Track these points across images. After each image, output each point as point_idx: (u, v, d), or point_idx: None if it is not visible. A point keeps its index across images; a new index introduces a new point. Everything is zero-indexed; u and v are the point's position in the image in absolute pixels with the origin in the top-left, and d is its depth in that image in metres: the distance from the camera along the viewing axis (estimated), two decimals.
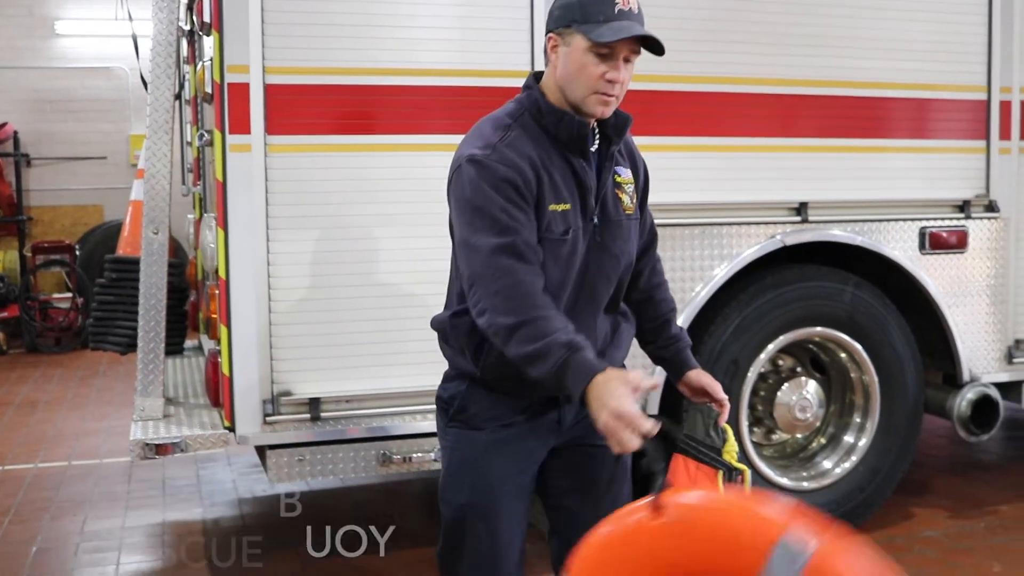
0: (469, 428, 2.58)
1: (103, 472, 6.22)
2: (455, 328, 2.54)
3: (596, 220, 2.49)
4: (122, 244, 5.95)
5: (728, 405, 2.67)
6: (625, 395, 2.17)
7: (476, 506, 2.53)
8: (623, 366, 2.68)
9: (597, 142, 2.51)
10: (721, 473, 2.60)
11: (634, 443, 2.14)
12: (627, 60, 2.41)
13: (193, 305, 6.03)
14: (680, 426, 4.40)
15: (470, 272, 2.39)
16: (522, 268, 2.33)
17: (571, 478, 2.68)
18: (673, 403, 4.39)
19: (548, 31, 2.47)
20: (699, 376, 2.70)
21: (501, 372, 2.47)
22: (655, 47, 2.42)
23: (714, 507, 2.13)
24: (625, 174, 2.59)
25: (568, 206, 2.44)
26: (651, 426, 2.15)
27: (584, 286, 2.52)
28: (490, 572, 2.61)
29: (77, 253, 11.47)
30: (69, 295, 11.27)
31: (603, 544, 2.14)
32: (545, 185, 2.41)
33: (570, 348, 2.25)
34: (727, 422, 2.66)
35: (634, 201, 2.59)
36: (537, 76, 2.54)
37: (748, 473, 2.63)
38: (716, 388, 2.67)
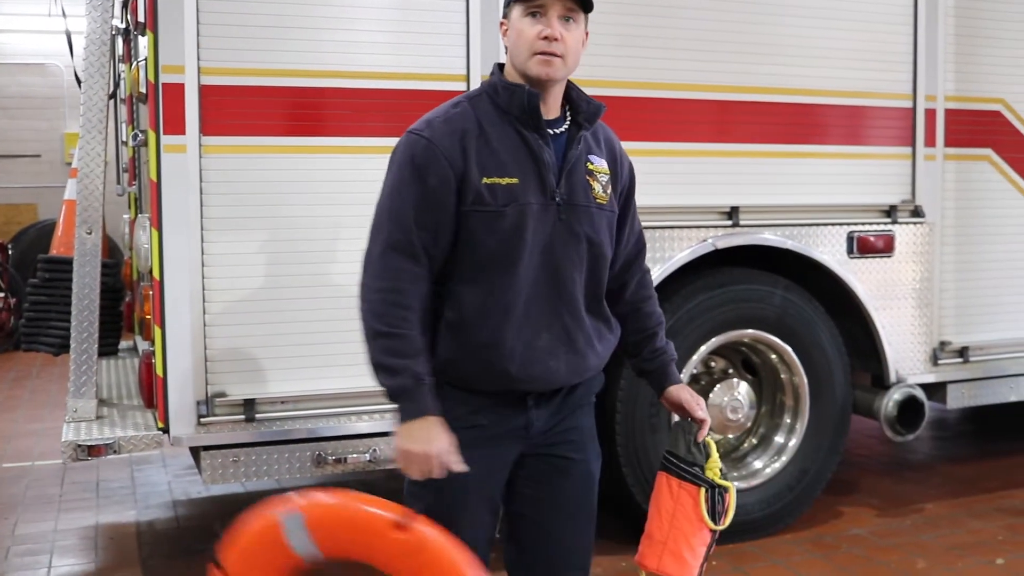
0: None
1: (36, 475, 6.15)
2: None
3: (559, 200, 2.47)
4: (56, 244, 5.89)
5: (708, 420, 2.70)
6: (438, 440, 2.34)
7: (437, 511, 2.42)
8: (603, 373, 2.67)
9: (567, 124, 2.52)
10: (703, 491, 2.65)
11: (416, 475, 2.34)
12: (566, 19, 2.43)
13: (128, 306, 5.97)
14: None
15: (367, 249, 2.46)
16: (409, 273, 2.40)
17: (536, 488, 2.63)
18: None
19: (501, 21, 2.53)
20: (678, 391, 2.71)
21: (457, 363, 2.48)
22: (584, 2, 2.44)
23: (439, 551, 2.31)
24: (599, 163, 2.56)
25: (515, 180, 2.43)
26: (454, 466, 2.32)
27: (547, 267, 2.48)
28: None
29: (10, 252, 11.28)
30: (1, 295, 11.08)
31: (346, 511, 2.41)
32: (476, 159, 2.42)
33: (417, 380, 2.36)
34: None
35: (607, 192, 2.56)
36: (502, 67, 2.57)
37: (733, 490, 2.70)
38: (692, 404, 2.70)
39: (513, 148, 2.45)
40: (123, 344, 5.99)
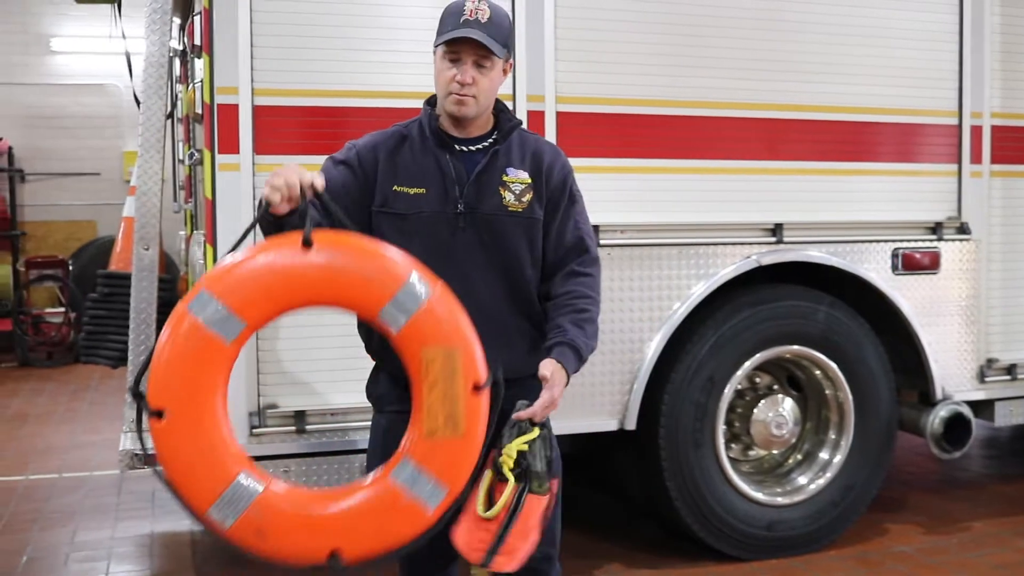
0: (376, 412, 2.98)
1: (93, 484, 6.30)
2: None
3: (461, 208, 2.80)
4: (114, 259, 6.04)
5: (534, 408, 2.69)
6: (292, 170, 2.55)
7: None
8: (533, 376, 2.76)
9: (490, 141, 2.87)
10: (489, 473, 2.63)
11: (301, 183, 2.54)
12: (479, 65, 2.77)
13: None
14: None
15: None
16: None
17: None
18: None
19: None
20: (544, 364, 2.75)
21: (382, 354, 2.81)
22: (487, 47, 2.74)
23: (353, 250, 2.51)
24: (515, 174, 2.85)
25: (423, 190, 2.81)
26: (309, 182, 2.54)
27: (452, 270, 2.72)
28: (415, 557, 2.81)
29: (70, 268, 11.57)
30: (62, 310, 11.36)
31: (248, 263, 2.47)
32: (387, 167, 2.82)
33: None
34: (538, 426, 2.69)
35: (523, 200, 2.84)
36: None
37: (511, 485, 2.61)
38: (545, 377, 2.72)
39: (426, 163, 2.83)
40: None
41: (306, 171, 2.58)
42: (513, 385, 2.76)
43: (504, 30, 2.84)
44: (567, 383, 2.78)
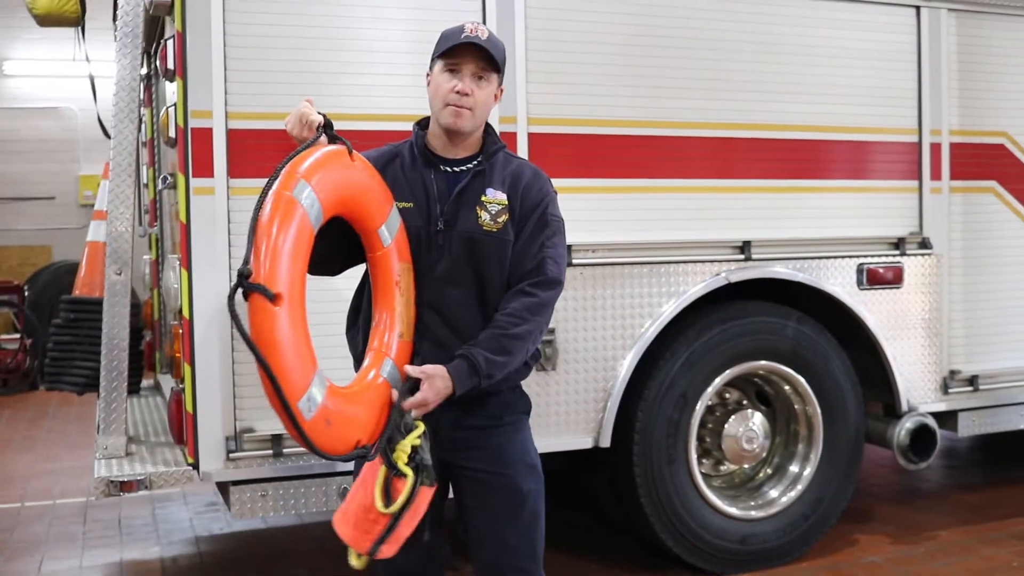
0: None
1: (58, 513, 6.22)
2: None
3: (440, 226, 2.91)
4: (79, 284, 6.00)
5: (417, 400, 2.76)
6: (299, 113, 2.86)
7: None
8: (526, 396, 3.07)
9: (474, 163, 2.96)
10: (382, 469, 2.72)
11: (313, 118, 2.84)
12: (478, 78, 2.89)
13: (149, 345, 6.08)
14: None
15: None
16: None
17: (467, 500, 3.00)
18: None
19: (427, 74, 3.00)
20: (433, 367, 2.81)
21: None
22: (493, 60, 2.90)
23: (370, 170, 2.91)
24: (493, 195, 2.94)
25: (410, 204, 2.93)
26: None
27: (430, 284, 2.91)
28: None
29: (26, 293, 11.41)
30: (17, 336, 11.19)
31: (337, 171, 2.78)
32: (390, 181, 2.94)
33: None
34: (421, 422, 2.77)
35: (498, 221, 2.91)
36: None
37: (410, 479, 2.69)
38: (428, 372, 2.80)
39: (415, 180, 2.96)
40: (144, 383, 6.07)
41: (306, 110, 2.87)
42: (489, 400, 2.93)
43: (501, 51, 2.96)
44: (452, 393, 2.81)
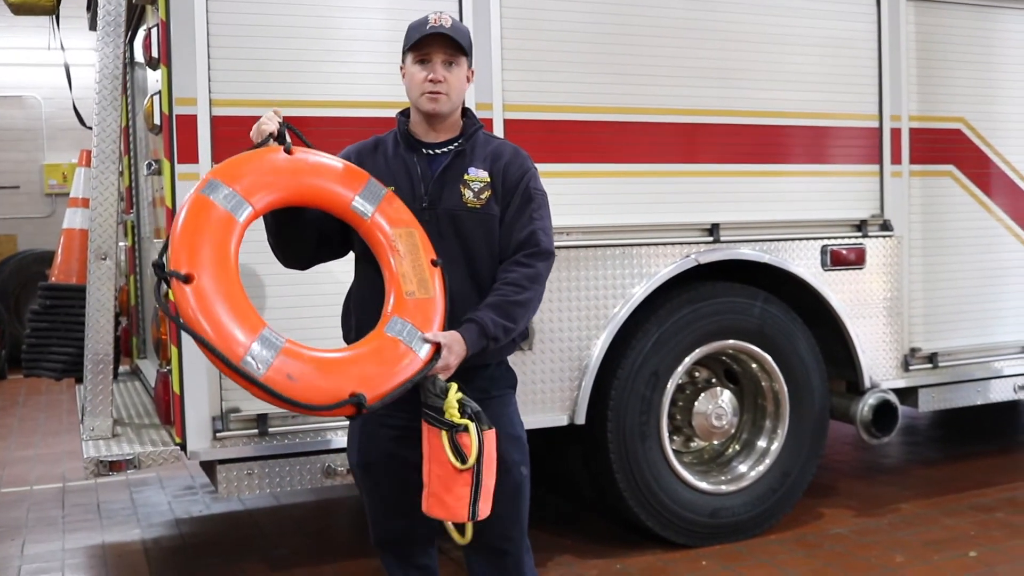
0: None
1: (35, 498, 6.27)
2: None
3: (425, 204, 3.07)
4: (55, 271, 6.03)
5: (441, 366, 2.88)
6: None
7: (359, 466, 3.22)
8: (512, 370, 3.23)
9: (454, 146, 3.12)
10: (443, 433, 2.81)
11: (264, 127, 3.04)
12: (448, 63, 3.06)
13: (125, 331, 6.13)
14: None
15: None
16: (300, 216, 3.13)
17: None
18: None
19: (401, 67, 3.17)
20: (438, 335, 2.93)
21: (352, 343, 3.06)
22: (459, 45, 3.07)
23: (325, 157, 3.09)
24: (475, 173, 3.10)
25: (393, 188, 3.07)
26: (272, 115, 3.07)
27: None
28: (379, 520, 3.25)
29: None
30: None
31: (255, 164, 2.97)
32: (372, 169, 3.10)
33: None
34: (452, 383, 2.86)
35: (482, 198, 3.07)
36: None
37: (473, 428, 2.79)
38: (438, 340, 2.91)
39: (397, 165, 3.13)
40: (121, 368, 6.12)
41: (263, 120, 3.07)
42: (479, 372, 3.06)
43: (466, 36, 3.13)
44: (466, 355, 2.93)
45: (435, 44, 3.06)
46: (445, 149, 3.14)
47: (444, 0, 4.34)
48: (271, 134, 3.03)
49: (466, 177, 3.10)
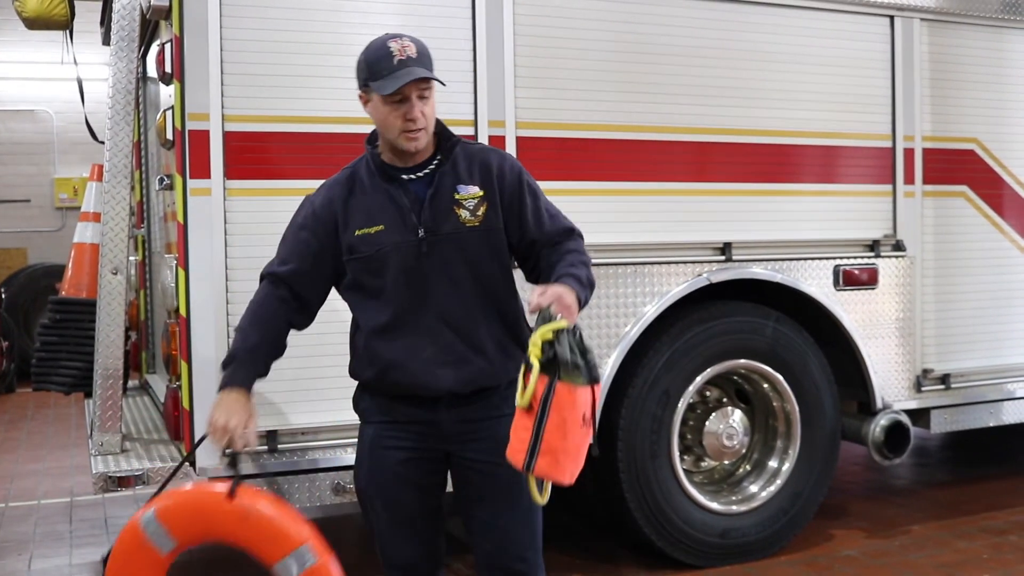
0: (363, 423, 3.09)
1: (43, 512, 6.26)
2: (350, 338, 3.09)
3: (422, 234, 2.88)
4: (65, 286, 6.04)
5: (549, 294, 2.64)
6: (235, 413, 2.80)
7: (367, 490, 3.06)
8: (510, 384, 2.79)
9: (434, 165, 2.93)
10: (523, 366, 2.58)
11: (233, 444, 2.83)
12: (422, 97, 2.83)
13: (135, 345, 6.13)
14: None
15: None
16: (269, 293, 2.98)
17: (468, 490, 3.03)
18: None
19: (359, 89, 2.93)
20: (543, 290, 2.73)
21: (361, 373, 3.02)
22: (428, 80, 2.84)
23: (264, 513, 2.86)
24: (465, 191, 2.93)
25: (381, 227, 2.89)
26: (241, 446, 2.82)
27: (415, 292, 2.89)
28: (388, 544, 3.10)
29: (2, 296, 11.37)
30: None
31: (188, 496, 2.98)
32: (344, 215, 2.91)
33: (231, 358, 2.89)
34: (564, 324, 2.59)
35: (479, 214, 2.92)
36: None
37: (536, 369, 2.53)
38: (551, 286, 2.71)
39: (380, 199, 2.92)
40: (130, 383, 6.11)
41: (242, 414, 2.82)
42: (495, 392, 2.96)
43: (430, 57, 2.90)
44: (574, 292, 2.73)
45: (411, 84, 2.81)
46: (425, 171, 2.94)
47: (457, 19, 4.38)
48: (232, 453, 2.88)
49: (457, 196, 2.92)
